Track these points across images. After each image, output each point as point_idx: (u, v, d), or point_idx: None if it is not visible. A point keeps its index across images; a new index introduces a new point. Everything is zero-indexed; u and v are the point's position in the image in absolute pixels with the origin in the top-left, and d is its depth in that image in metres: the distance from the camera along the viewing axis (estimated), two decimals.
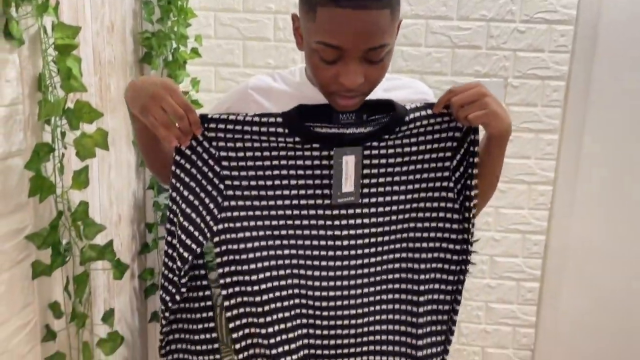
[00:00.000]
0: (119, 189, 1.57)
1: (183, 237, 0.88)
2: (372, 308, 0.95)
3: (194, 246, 0.89)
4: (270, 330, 0.93)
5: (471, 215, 0.92)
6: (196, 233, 0.89)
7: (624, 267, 1.98)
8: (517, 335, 2.00)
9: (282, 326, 0.94)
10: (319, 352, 0.96)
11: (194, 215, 0.88)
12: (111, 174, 1.50)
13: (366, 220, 0.92)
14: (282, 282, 0.93)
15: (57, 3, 0.99)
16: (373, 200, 0.92)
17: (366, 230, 0.92)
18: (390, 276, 0.96)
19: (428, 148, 0.91)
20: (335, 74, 0.82)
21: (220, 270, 0.91)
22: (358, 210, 0.92)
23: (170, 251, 0.90)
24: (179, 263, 0.88)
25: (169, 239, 0.90)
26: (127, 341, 1.63)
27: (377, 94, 0.91)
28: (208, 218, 0.89)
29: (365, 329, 0.96)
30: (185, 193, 0.88)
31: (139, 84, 0.86)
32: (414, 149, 0.91)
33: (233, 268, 0.91)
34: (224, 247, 0.91)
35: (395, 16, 0.83)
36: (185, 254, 0.88)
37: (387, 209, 0.93)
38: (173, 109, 0.81)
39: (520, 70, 1.84)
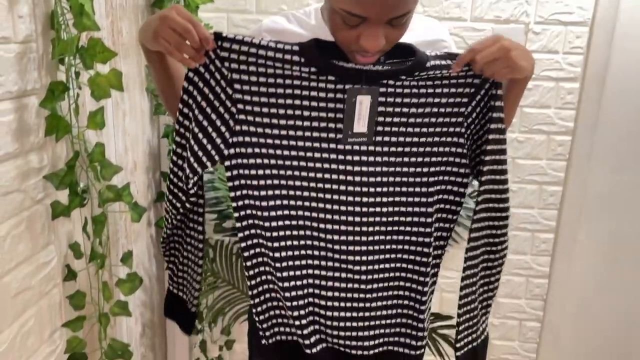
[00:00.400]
0: (134, 136, 1.56)
1: (197, 149, 0.91)
2: (378, 247, 0.96)
3: (198, 168, 0.92)
4: (277, 255, 0.95)
5: (485, 169, 0.91)
6: (204, 157, 0.91)
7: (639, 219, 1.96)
8: (530, 286, 2.01)
9: (290, 253, 0.95)
10: (323, 282, 0.97)
11: (201, 136, 0.89)
12: (126, 120, 1.49)
13: (378, 159, 0.92)
14: (292, 212, 0.94)
15: None
16: (386, 139, 0.91)
17: (377, 169, 0.92)
18: (397, 218, 0.96)
19: (445, 92, 0.90)
20: (357, 37, 0.82)
21: (233, 194, 0.93)
22: (371, 148, 0.91)
23: (180, 162, 0.94)
24: (190, 174, 0.92)
25: (179, 150, 0.93)
26: (145, 286, 1.67)
27: None
28: (218, 141, 0.90)
29: (372, 267, 0.96)
30: (196, 112, 0.89)
31: (149, 18, 0.87)
32: (430, 91, 0.90)
33: (245, 192, 0.93)
34: (235, 172, 0.92)
35: None
36: (199, 168, 0.92)
37: (400, 149, 0.92)
38: (180, 25, 0.80)
39: (542, 16, 1.77)
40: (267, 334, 1.02)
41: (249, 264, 0.97)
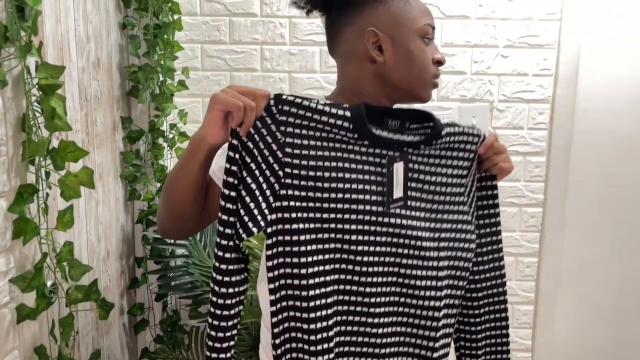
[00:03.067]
0: (107, 224, 1.55)
1: (244, 214, 0.86)
2: (397, 309, 0.96)
3: (243, 234, 0.87)
4: (312, 327, 0.91)
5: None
6: (249, 223, 0.87)
7: (615, 284, 1.98)
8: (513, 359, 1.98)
9: (324, 324, 0.91)
10: (352, 349, 0.95)
11: (248, 199, 0.86)
12: (99, 209, 1.48)
13: (409, 222, 0.93)
14: (328, 278, 0.91)
15: (41, 44, 0.99)
16: (413, 204, 0.94)
17: (409, 232, 0.94)
18: (413, 282, 0.96)
19: (450, 163, 0.96)
20: (431, 54, 0.96)
21: (270, 263, 0.89)
22: (404, 212, 0.93)
23: (228, 230, 0.87)
24: (237, 240, 0.87)
25: (225, 217, 0.86)
26: None
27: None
28: (264, 205, 0.87)
29: (386, 330, 0.96)
30: (245, 174, 0.86)
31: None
32: (440, 162, 0.96)
33: (282, 260, 0.89)
34: (274, 239, 0.88)
35: None
36: (244, 235, 0.87)
37: (419, 214, 0.95)
38: (245, 90, 0.83)
39: (505, 94, 1.86)
40: None
41: (277, 341, 0.92)
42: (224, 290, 0.88)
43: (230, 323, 0.90)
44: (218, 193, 0.87)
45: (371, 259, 0.92)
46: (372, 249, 0.92)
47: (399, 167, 0.92)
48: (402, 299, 0.97)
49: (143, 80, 1.64)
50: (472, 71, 1.85)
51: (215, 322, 0.89)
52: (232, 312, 0.90)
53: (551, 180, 1.90)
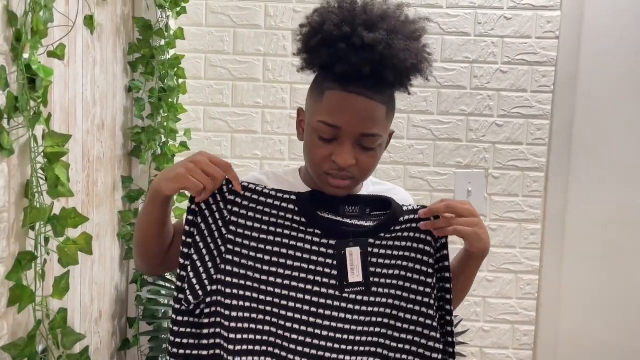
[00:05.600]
0: (101, 284, 1.54)
1: (185, 284, 0.91)
2: None
3: (191, 299, 0.91)
4: None
5: (449, 330, 0.92)
6: (188, 291, 0.91)
7: (614, 354, 1.95)
8: None
9: None
10: None
11: (190, 269, 0.91)
12: (94, 269, 1.48)
13: (349, 316, 0.92)
14: (256, 358, 0.92)
15: (50, 115, 1.02)
16: (359, 297, 0.92)
17: (346, 326, 0.92)
18: None
19: (414, 246, 0.93)
20: (330, 153, 0.89)
21: (206, 331, 0.92)
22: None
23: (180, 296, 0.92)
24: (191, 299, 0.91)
25: (179, 284, 0.92)
26: None
27: (369, 191, 0.99)
28: (204, 276, 0.92)
29: None
30: (190, 246, 0.91)
31: (175, 165, 0.91)
32: (403, 252, 0.93)
33: (216, 330, 0.92)
34: (212, 309, 0.92)
35: (389, 117, 0.92)
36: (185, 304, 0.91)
37: (369, 308, 0.93)
38: (215, 166, 0.87)
39: (500, 162, 1.89)
40: None
41: None
42: (178, 340, 0.92)
43: None
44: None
45: (307, 350, 0.91)
46: (308, 340, 0.91)
47: (353, 252, 0.91)
48: None
49: (145, 142, 1.67)
50: (468, 139, 1.89)
51: None
52: None
53: (547, 247, 1.91)
